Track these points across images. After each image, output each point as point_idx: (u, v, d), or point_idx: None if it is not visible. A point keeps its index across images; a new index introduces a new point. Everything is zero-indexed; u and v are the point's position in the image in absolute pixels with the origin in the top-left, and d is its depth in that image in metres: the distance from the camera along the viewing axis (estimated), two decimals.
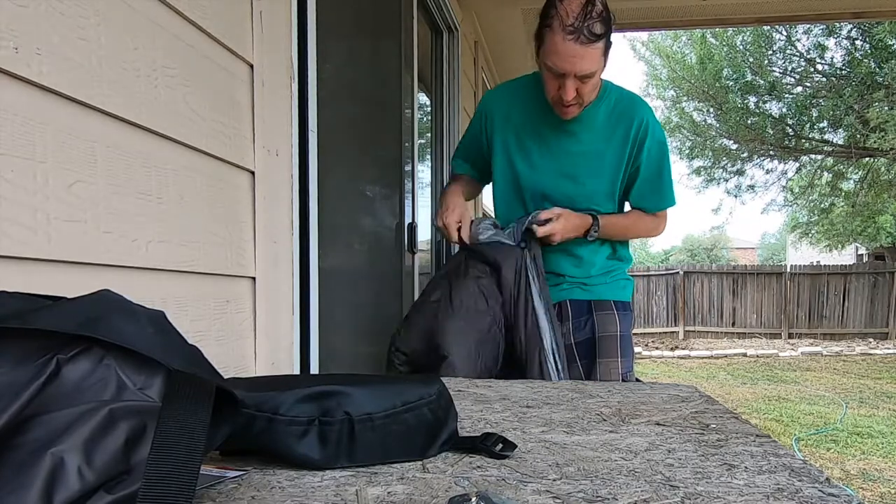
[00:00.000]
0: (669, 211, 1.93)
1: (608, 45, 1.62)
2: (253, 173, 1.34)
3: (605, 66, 1.65)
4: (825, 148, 12.51)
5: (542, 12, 1.61)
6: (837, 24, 10.73)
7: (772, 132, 12.44)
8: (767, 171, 13.64)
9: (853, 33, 11.12)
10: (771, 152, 12.99)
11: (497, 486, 0.67)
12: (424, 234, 2.98)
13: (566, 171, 1.78)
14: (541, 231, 1.71)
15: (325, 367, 1.60)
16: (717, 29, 10.99)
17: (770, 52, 12.00)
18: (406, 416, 0.77)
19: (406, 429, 0.77)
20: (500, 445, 0.79)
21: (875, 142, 10.18)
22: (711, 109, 12.73)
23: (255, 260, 1.35)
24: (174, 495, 0.48)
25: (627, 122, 1.75)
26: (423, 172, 3.23)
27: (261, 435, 0.71)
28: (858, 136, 10.93)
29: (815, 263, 15.07)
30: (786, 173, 13.66)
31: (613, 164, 1.78)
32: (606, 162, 1.77)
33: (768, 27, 10.66)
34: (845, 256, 18.14)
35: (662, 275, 13.49)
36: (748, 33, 11.57)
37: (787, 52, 11.97)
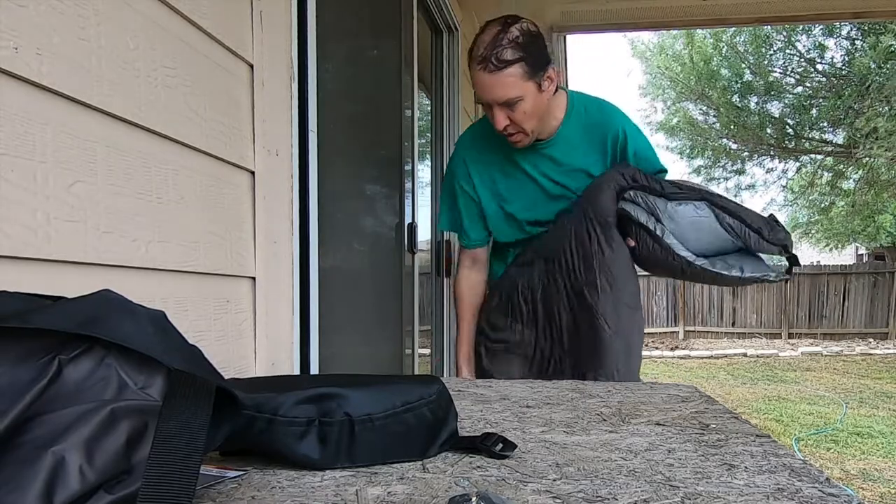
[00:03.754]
0: None
1: (534, 69, 1.57)
2: (253, 173, 1.34)
3: (540, 90, 1.60)
4: (825, 148, 12.51)
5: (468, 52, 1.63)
6: (837, 24, 10.72)
7: (771, 132, 12.45)
8: (768, 171, 13.66)
9: (853, 33, 11.12)
10: (771, 152, 12.99)
11: (497, 486, 0.67)
12: (424, 234, 2.98)
13: (556, 194, 1.78)
14: None
15: (326, 367, 1.60)
16: (717, 29, 10.98)
17: (770, 52, 12.01)
18: (406, 417, 0.77)
19: (406, 429, 0.77)
20: (500, 445, 0.79)
21: (868, 147, 10.20)
22: (711, 110, 12.73)
23: (255, 260, 1.35)
24: (174, 495, 0.48)
25: (603, 134, 1.74)
26: (423, 172, 3.23)
27: (261, 436, 0.71)
28: (858, 136, 10.93)
29: (815, 263, 15.06)
30: (786, 172, 13.67)
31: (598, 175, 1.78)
32: (591, 174, 1.77)
33: (769, 27, 10.66)
34: (845, 256, 18.13)
35: None
36: (747, 33, 11.57)
37: (787, 52, 11.98)
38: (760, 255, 1.66)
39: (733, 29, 11.26)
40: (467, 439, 0.82)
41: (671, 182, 1.70)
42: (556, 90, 1.70)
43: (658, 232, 1.61)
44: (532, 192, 1.79)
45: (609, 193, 1.66)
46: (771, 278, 1.64)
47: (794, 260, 1.65)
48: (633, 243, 1.67)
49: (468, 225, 1.87)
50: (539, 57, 1.59)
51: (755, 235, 1.59)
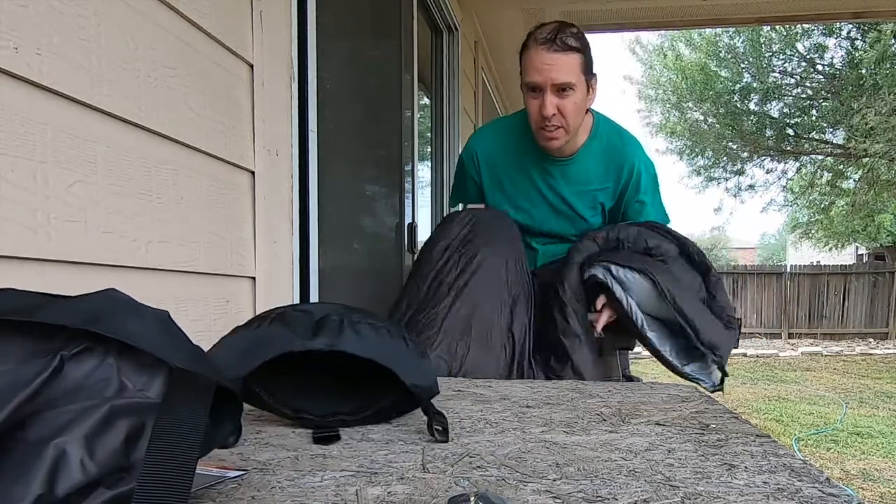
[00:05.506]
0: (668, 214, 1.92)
1: (588, 67, 1.62)
2: (253, 173, 1.34)
3: (588, 91, 1.64)
4: (825, 148, 12.51)
5: (522, 44, 1.66)
6: (837, 24, 10.72)
7: (771, 133, 12.45)
8: (768, 171, 13.66)
9: (853, 33, 11.12)
10: (771, 153, 12.99)
11: (497, 486, 0.67)
12: (424, 234, 2.98)
13: (562, 211, 1.78)
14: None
15: None
16: (717, 29, 10.98)
17: (769, 53, 12.00)
18: (394, 336, 0.91)
19: (391, 341, 0.89)
20: (440, 429, 0.83)
21: (867, 147, 10.19)
22: (711, 111, 12.73)
23: (255, 260, 1.35)
24: (169, 493, 0.48)
25: (620, 164, 1.74)
26: (423, 172, 3.23)
27: None
28: (857, 136, 10.93)
29: (815, 263, 15.06)
30: (786, 173, 13.67)
31: (609, 203, 1.78)
32: (601, 200, 1.77)
33: (768, 28, 10.66)
34: (845, 256, 18.12)
35: None
36: (746, 35, 11.56)
37: (787, 52, 11.98)
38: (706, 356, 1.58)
39: (732, 30, 11.26)
40: (427, 402, 0.87)
41: (655, 231, 1.65)
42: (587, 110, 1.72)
43: (619, 296, 1.56)
44: (538, 205, 1.78)
45: (575, 269, 1.63)
46: (704, 385, 1.56)
47: (723, 373, 1.57)
48: (600, 304, 1.61)
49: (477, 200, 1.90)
50: (592, 61, 1.65)
51: (690, 331, 1.53)
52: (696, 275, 1.62)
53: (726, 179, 13.82)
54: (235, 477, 0.70)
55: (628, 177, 1.74)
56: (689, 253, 1.64)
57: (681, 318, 1.53)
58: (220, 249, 1.22)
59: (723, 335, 1.57)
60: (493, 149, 1.82)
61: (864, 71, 10.55)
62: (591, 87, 1.66)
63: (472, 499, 0.56)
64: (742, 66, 12.15)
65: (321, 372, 0.93)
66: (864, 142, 10.19)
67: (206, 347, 0.65)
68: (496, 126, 1.94)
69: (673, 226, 1.76)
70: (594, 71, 1.66)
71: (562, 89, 1.59)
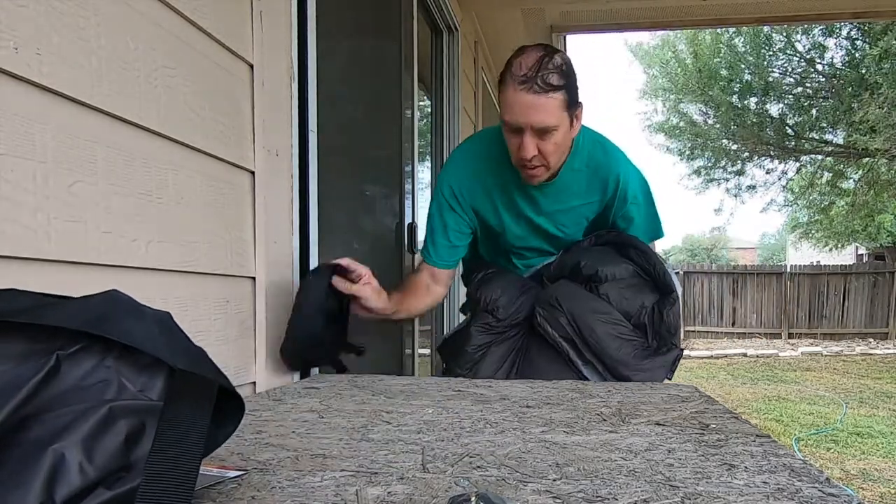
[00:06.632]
0: (669, 216, 1.89)
1: (572, 101, 1.51)
2: (253, 173, 1.34)
3: (571, 125, 1.55)
4: (825, 148, 12.51)
5: (501, 71, 1.54)
6: (837, 25, 10.72)
7: (771, 133, 12.45)
8: (768, 171, 13.65)
9: (853, 33, 11.12)
10: (771, 153, 13.00)
11: (497, 486, 0.67)
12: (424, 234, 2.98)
13: (545, 228, 1.74)
14: None
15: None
16: (717, 29, 10.98)
17: (769, 52, 12.01)
18: None
19: None
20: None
21: (866, 144, 10.19)
22: (711, 110, 12.73)
23: (255, 260, 1.35)
24: (173, 494, 0.48)
25: (604, 177, 1.68)
26: (423, 173, 3.23)
27: None
28: (857, 136, 10.93)
29: (815, 263, 15.06)
30: (786, 173, 13.67)
31: (594, 216, 1.75)
32: (586, 215, 1.74)
33: (768, 27, 10.66)
34: (845, 256, 18.12)
35: None
36: (746, 34, 11.56)
37: (787, 52, 11.98)
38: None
39: (733, 29, 11.26)
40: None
41: (616, 255, 1.68)
42: None
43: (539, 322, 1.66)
44: (521, 227, 1.75)
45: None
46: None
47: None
48: None
49: (438, 242, 1.78)
50: (576, 92, 1.54)
51: (579, 341, 1.59)
52: (636, 294, 1.63)
53: (726, 180, 13.82)
54: (235, 477, 0.70)
55: (615, 189, 1.68)
56: (650, 274, 1.65)
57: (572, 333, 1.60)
58: (220, 249, 1.22)
59: (630, 357, 1.56)
60: (471, 173, 1.74)
61: (864, 70, 10.55)
62: (576, 117, 1.56)
63: (472, 499, 0.56)
64: (742, 65, 12.14)
65: None
66: (865, 137, 10.18)
67: (205, 347, 0.65)
68: (466, 151, 1.82)
69: (671, 229, 1.74)
70: (579, 100, 1.55)
71: (543, 131, 1.50)
